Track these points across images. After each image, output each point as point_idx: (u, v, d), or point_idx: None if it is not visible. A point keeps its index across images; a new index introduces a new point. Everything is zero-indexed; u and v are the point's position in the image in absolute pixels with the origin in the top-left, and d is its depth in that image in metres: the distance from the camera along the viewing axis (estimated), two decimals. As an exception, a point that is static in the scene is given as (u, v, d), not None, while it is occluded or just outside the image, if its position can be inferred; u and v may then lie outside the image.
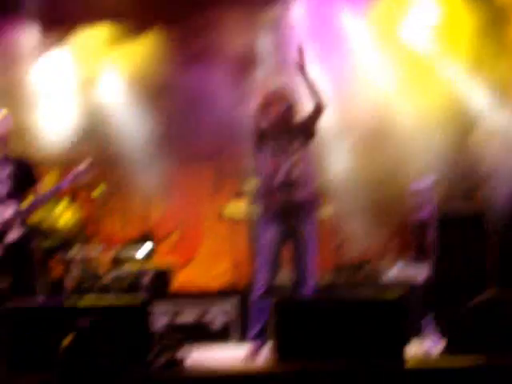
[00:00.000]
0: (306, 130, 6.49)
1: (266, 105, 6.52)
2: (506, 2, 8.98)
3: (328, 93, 6.77)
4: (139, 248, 8.60)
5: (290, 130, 6.46)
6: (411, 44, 9.48)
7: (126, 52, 9.17)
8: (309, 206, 6.41)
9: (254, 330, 6.36)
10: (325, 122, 9.21)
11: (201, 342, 7.47)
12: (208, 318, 8.05)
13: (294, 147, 6.37)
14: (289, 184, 6.30)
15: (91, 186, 8.20)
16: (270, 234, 6.36)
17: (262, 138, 6.43)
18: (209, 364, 5.51)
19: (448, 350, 5.52)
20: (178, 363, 5.41)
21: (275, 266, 6.40)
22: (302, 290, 6.36)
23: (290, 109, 6.44)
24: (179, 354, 5.49)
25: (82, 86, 9.37)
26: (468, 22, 9.07)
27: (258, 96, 6.64)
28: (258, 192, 6.54)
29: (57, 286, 7.99)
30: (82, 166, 6.44)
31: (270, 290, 6.30)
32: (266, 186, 6.38)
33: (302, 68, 6.43)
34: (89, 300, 6.17)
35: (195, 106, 10.12)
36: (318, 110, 6.47)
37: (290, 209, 6.31)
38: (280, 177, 6.30)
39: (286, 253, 6.57)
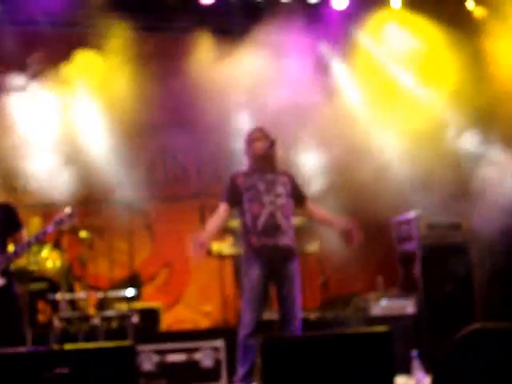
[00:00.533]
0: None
1: (250, 141, 6.60)
2: (485, 43, 9.15)
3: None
4: (127, 289, 8.59)
5: (274, 169, 6.51)
6: (392, 74, 9.60)
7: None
8: (291, 249, 6.43)
9: (242, 370, 6.30)
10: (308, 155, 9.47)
11: (191, 381, 7.46)
12: (198, 356, 8.01)
13: (278, 191, 6.42)
14: (271, 228, 6.30)
15: (76, 229, 8.24)
16: (253, 275, 6.33)
17: (235, 189, 6.47)
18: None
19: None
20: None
21: (260, 306, 6.36)
22: (288, 329, 6.34)
23: (272, 145, 6.49)
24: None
25: (63, 130, 9.36)
26: (449, 57, 9.22)
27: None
28: (241, 234, 6.55)
29: (45, 328, 7.99)
30: (65, 212, 6.47)
31: (256, 329, 6.27)
32: (249, 229, 6.38)
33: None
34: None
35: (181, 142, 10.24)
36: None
37: (272, 252, 6.31)
38: (263, 221, 6.32)
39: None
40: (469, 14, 9.77)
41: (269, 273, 6.34)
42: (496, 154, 9.07)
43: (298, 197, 6.60)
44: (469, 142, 9.44)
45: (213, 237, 6.64)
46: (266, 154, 6.47)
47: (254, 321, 6.28)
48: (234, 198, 6.46)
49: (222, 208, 6.49)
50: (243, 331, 6.31)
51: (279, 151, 6.60)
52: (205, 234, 6.39)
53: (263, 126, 6.70)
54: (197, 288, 10.02)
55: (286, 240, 6.35)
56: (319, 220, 6.82)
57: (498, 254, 8.90)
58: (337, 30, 9.59)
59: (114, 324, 8.12)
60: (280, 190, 6.43)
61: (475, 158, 9.28)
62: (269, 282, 6.40)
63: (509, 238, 8.89)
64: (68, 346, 5.50)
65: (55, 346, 6.22)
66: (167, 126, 10.11)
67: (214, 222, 6.49)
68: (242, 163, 6.79)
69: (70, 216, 6.46)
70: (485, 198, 8.66)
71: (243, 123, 9.39)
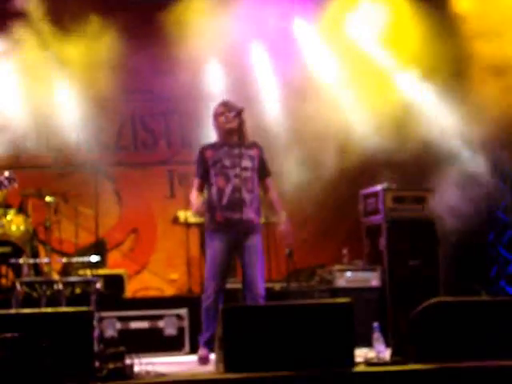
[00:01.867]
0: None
1: (216, 116, 6.65)
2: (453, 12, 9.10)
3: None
4: (92, 254, 8.55)
5: (242, 141, 6.51)
6: (361, 47, 9.57)
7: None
8: (255, 223, 6.52)
9: (204, 337, 6.43)
10: (278, 128, 9.45)
11: (154, 348, 7.46)
12: (161, 324, 8.02)
13: (243, 165, 6.44)
14: (236, 203, 6.37)
15: (42, 193, 8.18)
16: (216, 247, 6.45)
17: (204, 163, 6.55)
18: (157, 372, 5.47)
19: (394, 357, 5.55)
20: (125, 371, 5.37)
21: (222, 275, 6.47)
22: (251, 298, 6.38)
23: (238, 118, 6.49)
24: (127, 362, 5.45)
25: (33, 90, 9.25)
26: (415, 29, 9.18)
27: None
28: (206, 206, 6.58)
29: (7, 292, 7.94)
30: (4, 174, 6.51)
31: (219, 296, 6.40)
32: (213, 202, 6.48)
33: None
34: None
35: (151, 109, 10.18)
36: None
37: (236, 226, 6.37)
38: (228, 195, 6.42)
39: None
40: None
41: (232, 244, 6.44)
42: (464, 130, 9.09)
43: (261, 171, 6.66)
44: (439, 117, 9.44)
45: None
46: (231, 128, 6.52)
47: (217, 289, 6.39)
48: (205, 172, 6.56)
49: (196, 183, 6.64)
50: (206, 299, 6.42)
51: (248, 122, 6.61)
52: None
53: (229, 99, 6.75)
54: (163, 255, 9.99)
55: (249, 214, 6.44)
56: (267, 201, 6.85)
57: (462, 231, 8.93)
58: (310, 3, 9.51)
59: (78, 290, 8.10)
60: (246, 163, 6.49)
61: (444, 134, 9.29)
62: (232, 252, 6.50)
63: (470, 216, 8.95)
64: (26, 311, 5.49)
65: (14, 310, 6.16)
66: (137, 92, 10.05)
67: (193, 203, 6.59)
68: (212, 131, 6.80)
69: (10, 179, 6.45)
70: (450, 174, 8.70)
71: (214, 90, 9.35)
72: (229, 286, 6.93)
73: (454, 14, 8.94)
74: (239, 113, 6.45)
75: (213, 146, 6.63)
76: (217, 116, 6.61)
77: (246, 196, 6.41)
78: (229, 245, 6.43)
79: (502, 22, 8.46)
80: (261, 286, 6.45)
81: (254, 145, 6.67)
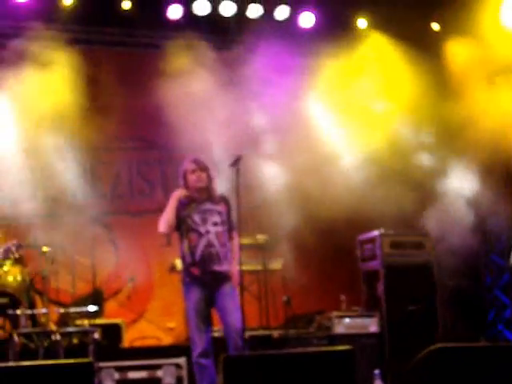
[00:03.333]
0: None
1: (185, 173, 6.72)
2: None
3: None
4: (89, 304, 8.51)
5: (211, 196, 6.59)
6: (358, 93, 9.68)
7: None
8: (228, 274, 6.57)
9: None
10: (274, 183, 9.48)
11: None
12: (159, 374, 7.95)
13: (213, 220, 6.55)
14: (209, 257, 6.47)
15: (38, 243, 8.17)
16: (193, 298, 6.52)
17: (179, 216, 6.60)
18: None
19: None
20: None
21: (206, 325, 6.51)
22: (230, 341, 6.41)
23: (207, 177, 6.63)
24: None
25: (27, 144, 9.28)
26: (412, 76, 9.32)
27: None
28: (181, 258, 6.68)
29: (5, 344, 7.87)
30: (13, 242, 6.60)
31: (207, 348, 6.42)
32: (187, 258, 6.55)
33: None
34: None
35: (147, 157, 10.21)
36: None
37: (210, 278, 6.49)
38: (200, 250, 6.48)
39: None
40: (433, 34, 9.88)
41: (208, 294, 6.52)
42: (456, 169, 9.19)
43: (230, 225, 6.72)
44: (429, 157, 9.54)
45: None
46: (201, 187, 6.62)
47: (203, 340, 6.45)
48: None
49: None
50: (195, 351, 6.46)
51: (215, 181, 6.74)
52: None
53: (199, 157, 6.80)
54: (160, 304, 9.94)
55: (223, 267, 6.54)
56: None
57: (460, 274, 8.95)
58: (305, 48, 9.63)
59: (75, 340, 8.04)
60: (216, 219, 6.59)
61: (435, 174, 9.38)
62: (210, 304, 6.55)
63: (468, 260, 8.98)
64: (26, 363, 5.44)
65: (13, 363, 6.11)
66: (134, 140, 10.10)
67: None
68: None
69: (17, 246, 6.55)
70: (445, 217, 8.74)
71: (209, 140, 9.40)
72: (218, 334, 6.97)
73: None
74: (209, 173, 6.62)
75: (182, 201, 6.66)
76: (187, 173, 6.69)
77: (219, 250, 6.52)
78: (206, 295, 6.50)
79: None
80: (238, 328, 6.45)
81: (222, 200, 6.75)
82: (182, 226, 6.58)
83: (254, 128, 9.70)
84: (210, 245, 6.49)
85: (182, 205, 6.61)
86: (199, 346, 6.40)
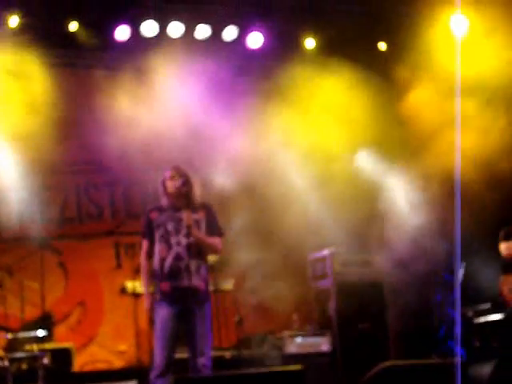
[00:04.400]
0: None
1: (164, 180, 6.59)
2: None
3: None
4: (38, 329, 8.39)
5: (190, 205, 6.47)
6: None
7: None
8: (202, 291, 6.39)
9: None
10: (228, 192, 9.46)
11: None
12: (111, 397, 7.89)
13: (187, 230, 6.36)
14: (178, 271, 6.29)
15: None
16: (162, 317, 6.30)
17: (151, 225, 6.48)
18: None
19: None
20: None
21: (171, 345, 6.30)
22: (197, 367, 6.27)
23: (186, 183, 6.48)
24: None
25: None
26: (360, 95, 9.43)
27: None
28: (151, 274, 6.52)
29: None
30: None
31: (167, 369, 6.21)
32: (157, 272, 6.39)
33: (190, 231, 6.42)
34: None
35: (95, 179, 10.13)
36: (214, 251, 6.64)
37: (181, 294, 6.29)
38: (169, 263, 6.32)
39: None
40: (380, 54, 10.00)
41: (179, 312, 6.31)
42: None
43: (208, 232, 6.52)
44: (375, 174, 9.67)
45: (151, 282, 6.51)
46: (178, 193, 6.46)
47: (165, 361, 6.24)
48: (152, 234, 6.46)
49: (145, 245, 6.53)
50: (154, 371, 6.26)
51: (196, 187, 6.59)
52: (146, 295, 6.40)
53: (179, 165, 6.70)
54: (111, 327, 9.82)
55: (195, 281, 6.32)
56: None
57: (411, 291, 9.03)
58: (253, 69, 9.68)
59: (24, 366, 7.90)
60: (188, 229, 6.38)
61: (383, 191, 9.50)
62: (180, 322, 6.35)
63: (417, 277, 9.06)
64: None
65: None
66: (81, 164, 10.01)
67: (144, 265, 6.48)
68: (158, 200, 6.76)
69: None
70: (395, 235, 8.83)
71: (158, 161, 9.35)
72: (178, 355, 6.82)
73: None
74: (187, 180, 6.46)
75: (159, 209, 6.55)
76: (165, 180, 6.55)
77: (191, 263, 6.31)
78: (176, 314, 6.30)
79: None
80: (207, 354, 6.34)
81: (202, 207, 6.57)
82: (156, 233, 6.41)
83: (206, 145, 9.74)
84: (178, 258, 6.30)
85: (158, 213, 6.46)
86: (159, 366, 6.20)
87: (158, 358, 6.25)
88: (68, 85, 9.38)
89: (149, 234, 6.49)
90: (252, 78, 9.85)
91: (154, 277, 6.43)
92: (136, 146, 8.98)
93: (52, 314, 9.51)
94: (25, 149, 8.97)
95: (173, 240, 6.35)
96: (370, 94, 9.47)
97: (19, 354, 7.92)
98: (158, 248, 6.39)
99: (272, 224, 9.21)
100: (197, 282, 6.34)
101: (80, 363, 9.21)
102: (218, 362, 8.08)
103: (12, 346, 8.49)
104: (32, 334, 8.29)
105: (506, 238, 8.06)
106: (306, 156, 9.67)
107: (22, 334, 8.36)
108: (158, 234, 6.41)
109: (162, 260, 6.33)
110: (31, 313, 8.97)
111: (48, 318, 9.19)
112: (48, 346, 8.41)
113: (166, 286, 6.31)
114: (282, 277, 9.88)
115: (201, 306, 6.34)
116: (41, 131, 8.81)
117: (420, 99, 9.28)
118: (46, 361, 7.66)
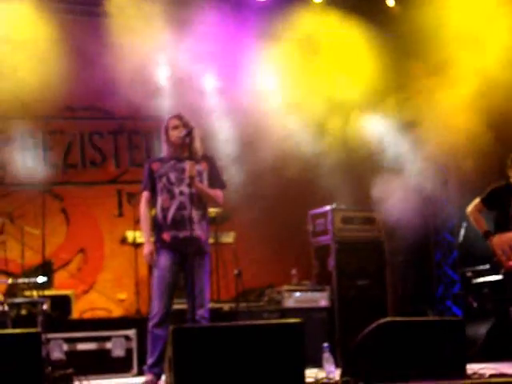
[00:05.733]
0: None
1: (167, 129, 6.51)
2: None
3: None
4: (38, 275, 8.42)
5: (192, 156, 6.41)
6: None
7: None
8: (203, 242, 6.39)
9: (151, 359, 6.24)
10: (225, 147, 9.44)
11: (102, 370, 7.38)
12: (109, 345, 7.94)
13: (187, 182, 6.27)
14: (181, 221, 6.25)
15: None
16: (162, 265, 6.30)
17: (152, 175, 6.44)
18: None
19: (344, 378, 5.56)
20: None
21: (169, 296, 6.31)
22: (196, 318, 6.28)
23: (190, 133, 6.40)
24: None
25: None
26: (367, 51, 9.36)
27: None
28: (153, 223, 6.50)
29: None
30: None
31: (165, 318, 6.23)
32: (159, 222, 6.37)
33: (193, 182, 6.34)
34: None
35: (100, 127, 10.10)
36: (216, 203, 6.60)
37: (183, 244, 6.24)
38: (172, 213, 6.30)
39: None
40: (388, 10, 9.89)
41: (179, 263, 6.31)
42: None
43: (211, 183, 6.49)
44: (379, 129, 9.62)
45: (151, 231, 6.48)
46: (182, 142, 6.38)
47: (163, 310, 6.24)
48: (153, 185, 6.43)
49: (145, 196, 6.49)
50: (152, 321, 6.27)
51: (198, 139, 6.54)
52: (147, 242, 6.37)
53: (182, 113, 6.63)
54: (111, 275, 9.87)
55: (197, 231, 6.30)
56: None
57: (410, 250, 9.04)
58: (258, 22, 9.58)
59: (24, 311, 7.95)
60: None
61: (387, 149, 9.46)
62: (180, 272, 6.36)
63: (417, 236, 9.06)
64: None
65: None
66: (86, 110, 9.97)
67: (144, 216, 6.44)
68: (161, 149, 6.73)
69: None
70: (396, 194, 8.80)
71: (162, 109, 9.31)
72: (175, 306, 6.83)
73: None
74: (191, 131, 6.38)
75: (160, 160, 6.52)
76: (168, 129, 6.48)
77: (194, 213, 6.26)
78: (176, 264, 6.30)
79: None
80: (206, 306, 6.35)
81: (204, 158, 6.52)
82: (158, 184, 6.36)
83: (205, 95, 9.68)
84: (182, 207, 6.26)
85: (160, 164, 6.42)
86: (157, 315, 6.21)
87: (156, 308, 6.25)
88: (73, 32, 9.28)
89: (150, 185, 6.45)
90: (256, 31, 9.72)
91: (155, 227, 6.41)
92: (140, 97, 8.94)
93: (52, 261, 9.56)
94: (28, 90, 8.87)
95: (176, 190, 6.31)
96: (377, 49, 9.38)
97: (19, 300, 7.97)
98: (160, 198, 6.35)
99: (273, 178, 9.18)
100: (198, 232, 6.32)
101: (79, 310, 9.27)
102: (217, 315, 8.14)
103: (12, 291, 8.54)
104: (32, 279, 8.34)
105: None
106: (311, 110, 9.59)
107: (22, 280, 8.40)
108: (159, 185, 6.37)
109: (165, 210, 6.30)
110: (32, 259, 8.99)
111: (48, 265, 9.23)
112: (48, 292, 8.46)
113: (168, 235, 6.30)
114: (282, 232, 9.91)
115: (201, 256, 6.33)
116: (46, 74, 8.73)
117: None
118: (45, 307, 7.69)
